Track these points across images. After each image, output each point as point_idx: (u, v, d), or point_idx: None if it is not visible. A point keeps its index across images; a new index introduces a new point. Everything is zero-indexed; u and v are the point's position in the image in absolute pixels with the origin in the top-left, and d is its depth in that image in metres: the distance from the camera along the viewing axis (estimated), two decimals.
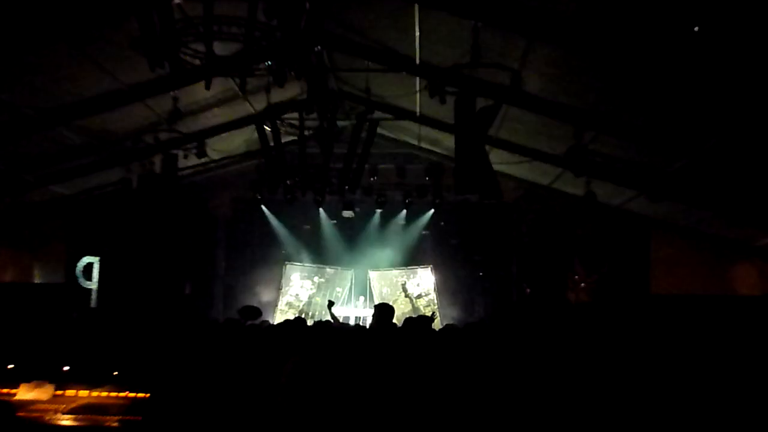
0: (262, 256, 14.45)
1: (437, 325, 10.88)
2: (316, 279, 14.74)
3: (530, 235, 13.62)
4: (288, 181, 11.88)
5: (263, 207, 14.54)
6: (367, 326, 7.68)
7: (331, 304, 6.72)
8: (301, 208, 13.72)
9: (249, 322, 6.89)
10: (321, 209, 14.26)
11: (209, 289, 14.17)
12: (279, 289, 14.32)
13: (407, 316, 5.39)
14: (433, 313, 7.60)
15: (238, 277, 14.37)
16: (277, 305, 14.24)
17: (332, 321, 6.53)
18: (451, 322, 12.26)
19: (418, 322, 5.14)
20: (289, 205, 13.38)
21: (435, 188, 13.78)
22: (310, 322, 8.12)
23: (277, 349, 5.16)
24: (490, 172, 7.84)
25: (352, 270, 14.63)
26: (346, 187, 12.24)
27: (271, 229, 14.69)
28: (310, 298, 14.45)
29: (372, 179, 13.07)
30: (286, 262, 14.67)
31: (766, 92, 6.46)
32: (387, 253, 14.56)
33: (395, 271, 14.63)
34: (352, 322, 11.30)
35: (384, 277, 14.68)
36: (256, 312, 7.89)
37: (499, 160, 10.48)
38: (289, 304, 14.37)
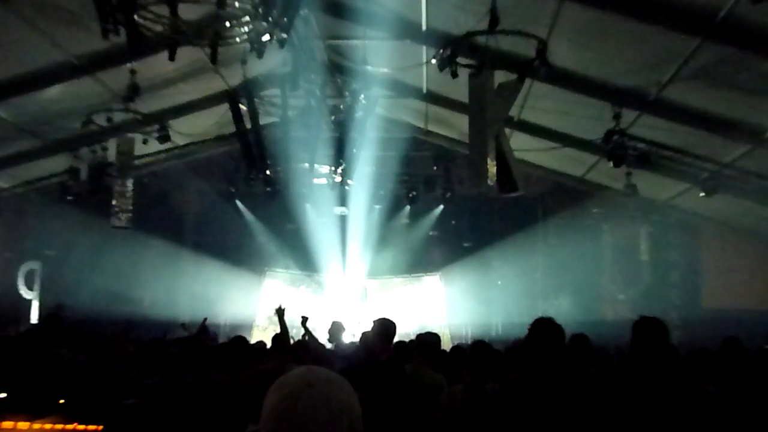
0: (238, 261, 14.44)
1: (447, 343, 10.88)
2: (303, 288, 14.75)
3: (559, 237, 13.64)
4: (268, 171, 11.90)
5: (238, 202, 14.56)
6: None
7: (305, 319, 6.75)
8: (285, 204, 13.72)
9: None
10: (308, 205, 14.27)
11: (173, 301, 14.16)
12: (258, 301, 14.35)
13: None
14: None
15: (208, 287, 14.33)
16: (255, 321, 14.26)
17: (308, 339, 6.57)
18: (462, 341, 12.28)
19: (428, 342, 5.16)
20: (269, 200, 13.36)
21: (445, 180, 13.76)
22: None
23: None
24: (511, 161, 7.85)
25: (346, 278, 14.66)
26: (339, 178, 12.28)
27: (249, 229, 14.71)
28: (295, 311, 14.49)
29: (367, 168, 13.06)
30: (267, 269, 14.68)
31: None
32: (387, 257, 14.57)
33: (397, 279, 14.66)
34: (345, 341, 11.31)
35: (384, 286, 14.71)
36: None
37: (523, 147, 10.49)
38: (270, 320, 14.39)
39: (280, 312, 6.13)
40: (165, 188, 14.39)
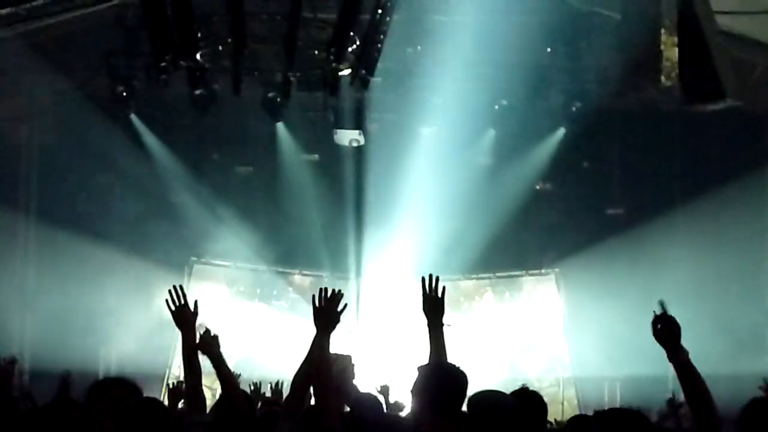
0: (135, 245, 14.68)
1: (568, 410, 11.14)
2: (261, 306, 15.04)
3: None
4: (198, 56, 12.03)
5: (135, 117, 14.78)
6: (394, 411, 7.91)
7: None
8: (231, 124, 13.89)
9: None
10: (281, 126, 14.38)
11: (4, 325, 14.47)
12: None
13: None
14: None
15: (75, 297, 14.55)
16: (169, 367, 14.48)
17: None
18: (596, 408, 12.48)
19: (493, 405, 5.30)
20: (200, 115, 13.54)
21: (567, 73, 13.95)
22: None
23: None
24: (711, 39, 7.95)
25: (364, 280, 14.97)
26: (347, 71, 12.36)
27: (157, 176, 14.89)
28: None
29: (408, 51, 13.30)
30: (194, 259, 14.95)
31: None
32: (447, 238, 14.65)
33: (468, 283, 14.83)
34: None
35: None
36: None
37: (735, 7, 10.52)
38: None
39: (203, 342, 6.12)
40: None
